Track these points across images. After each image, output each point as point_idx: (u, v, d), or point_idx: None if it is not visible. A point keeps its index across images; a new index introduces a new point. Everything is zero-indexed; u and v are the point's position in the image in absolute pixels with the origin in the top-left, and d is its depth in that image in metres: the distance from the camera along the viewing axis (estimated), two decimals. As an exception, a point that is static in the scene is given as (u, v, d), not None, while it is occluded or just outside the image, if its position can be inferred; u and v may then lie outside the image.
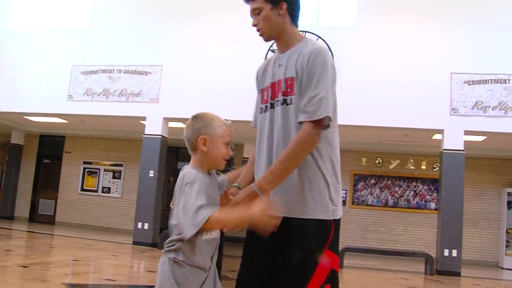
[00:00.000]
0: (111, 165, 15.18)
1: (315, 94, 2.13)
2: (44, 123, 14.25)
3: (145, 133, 11.39)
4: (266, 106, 2.34)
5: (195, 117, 2.22)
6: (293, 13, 2.32)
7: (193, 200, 1.98)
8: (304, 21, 11.20)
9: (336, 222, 2.20)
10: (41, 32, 12.73)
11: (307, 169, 2.16)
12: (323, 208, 2.15)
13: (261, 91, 2.41)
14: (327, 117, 2.12)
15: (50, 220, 15.34)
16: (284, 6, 2.27)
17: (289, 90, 2.23)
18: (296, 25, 2.35)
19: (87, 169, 15.37)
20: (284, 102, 2.24)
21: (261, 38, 2.35)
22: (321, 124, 2.13)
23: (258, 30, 2.31)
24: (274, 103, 2.30)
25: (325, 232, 2.15)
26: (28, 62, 12.43)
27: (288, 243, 2.14)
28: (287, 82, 2.25)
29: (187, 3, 11.73)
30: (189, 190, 2.01)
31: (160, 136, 11.26)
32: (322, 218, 2.14)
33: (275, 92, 2.30)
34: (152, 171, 11.16)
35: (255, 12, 2.29)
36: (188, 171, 2.10)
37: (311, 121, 2.11)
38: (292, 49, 2.29)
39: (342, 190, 13.44)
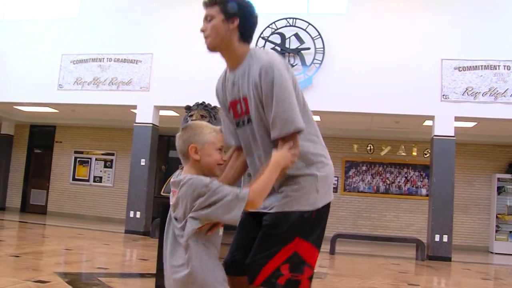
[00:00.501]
0: (102, 154, 15.13)
1: (278, 115, 2.12)
2: (35, 113, 14.15)
3: (136, 121, 11.35)
4: (239, 122, 2.36)
5: (185, 128, 2.20)
6: (244, 31, 2.27)
7: (224, 191, 1.99)
8: (295, 8, 11.21)
9: (320, 211, 2.25)
10: (30, 21, 12.63)
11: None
12: (305, 202, 2.21)
13: (229, 108, 2.40)
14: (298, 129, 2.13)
15: (42, 210, 15.30)
16: (236, 21, 2.23)
17: (248, 109, 2.25)
18: (248, 43, 2.30)
19: (78, 159, 15.32)
20: (249, 120, 2.28)
21: None
22: (295, 136, 2.14)
23: (205, 37, 2.27)
24: (240, 122, 2.34)
25: (301, 222, 2.20)
26: (17, 51, 12.32)
27: (266, 227, 2.22)
28: (245, 101, 2.26)
29: (176, -10, 11.65)
30: (214, 187, 1.99)
31: (151, 125, 11.22)
32: (302, 209, 2.20)
33: (236, 112, 2.34)
34: (144, 160, 11.14)
35: (207, 19, 2.25)
36: (194, 177, 2.05)
37: (282, 139, 2.13)
38: (240, 68, 2.27)
39: (334, 177, 13.53)
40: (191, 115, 5.04)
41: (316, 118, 11.39)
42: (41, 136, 15.89)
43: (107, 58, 11.72)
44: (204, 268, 2.01)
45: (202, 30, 2.27)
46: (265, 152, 2.25)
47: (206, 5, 2.27)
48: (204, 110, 5.12)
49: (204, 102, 5.19)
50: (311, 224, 2.23)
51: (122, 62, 11.62)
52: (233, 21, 2.23)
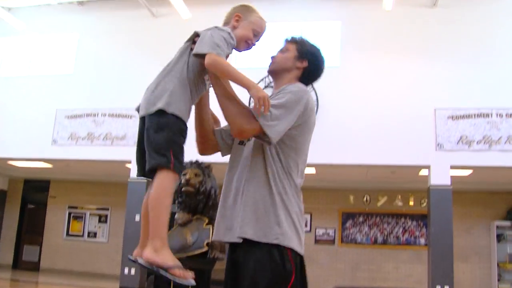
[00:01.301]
0: (97, 209, 14.98)
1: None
2: (29, 168, 14.06)
3: (130, 177, 11.26)
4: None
5: (241, 3, 2.48)
6: (307, 74, 2.52)
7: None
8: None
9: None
10: (26, 77, 12.68)
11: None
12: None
13: None
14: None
15: (34, 267, 14.99)
16: (305, 63, 2.50)
17: None
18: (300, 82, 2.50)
19: (72, 214, 15.15)
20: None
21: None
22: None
23: (272, 61, 2.54)
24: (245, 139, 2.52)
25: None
26: (12, 107, 12.33)
27: None
28: None
29: (169, 46, 11.72)
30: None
31: (145, 180, 11.10)
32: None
33: None
34: (138, 215, 10.99)
35: (282, 50, 2.55)
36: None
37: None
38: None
39: (331, 228, 13.41)
40: (185, 174, 5.00)
41: (312, 170, 11.36)
42: (35, 191, 15.76)
43: (102, 113, 11.73)
44: None
45: (272, 56, 2.55)
46: (246, 180, 2.31)
47: (287, 40, 2.58)
48: (198, 169, 5.09)
49: (197, 161, 5.15)
50: None
51: (116, 117, 11.63)
52: (302, 62, 2.50)
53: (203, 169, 5.07)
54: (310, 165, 10.98)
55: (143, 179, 10.06)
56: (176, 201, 5.05)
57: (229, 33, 2.33)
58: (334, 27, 11.29)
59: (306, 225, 13.35)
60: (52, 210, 15.37)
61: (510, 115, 10.15)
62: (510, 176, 11.42)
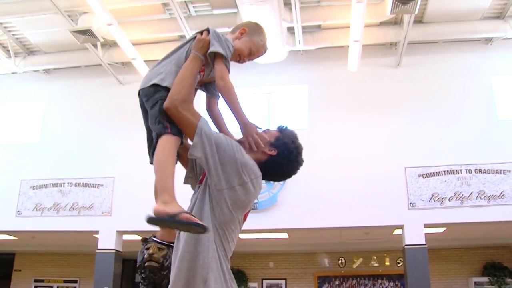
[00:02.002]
0: (64, 281, 14.41)
1: None
2: (-6, 241, 13.55)
3: (98, 248, 10.87)
4: None
5: (255, 22, 2.67)
6: (269, 163, 2.48)
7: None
8: (255, 123, 11.27)
9: None
10: (-12, 147, 12.39)
11: None
12: None
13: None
14: None
15: None
16: (273, 152, 2.51)
17: None
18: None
19: (38, 287, 14.52)
20: None
21: None
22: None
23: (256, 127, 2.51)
24: None
25: None
26: (-25, 178, 11.97)
27: None
28: None
29: (136, 113, 11.60)
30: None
31: (114, 251, 10.75)
32: None
33: None
34: (107, 287, 10.56)
35: (266, 131, 2.57)
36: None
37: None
38: None
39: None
40: (148, 248, 4.77)
41: (284, 235, 11.17)
42: (-1, 265, 15.13)
43: (68, 183, 11.43)
44: None
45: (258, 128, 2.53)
46: None
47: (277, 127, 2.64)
48: (161, 243, 4.86)
49: (161, 234, 4.93)
50: None
51: (83, 186, 11.34)
52: (271, 150, 2.49)
53: (167, 242, 4.85)
54: (282, 231, 10.80)
55: (111, 249, 9.74)
56: (140, 277, 4.80)
57: (231, 43, 2.47)
58: (301, 90, 11.37)
59: (281, 291, 13.02)
60: (17, 284, 14.74)
61: (479, 170, 10.17)
62: (484, 231, 11.39)
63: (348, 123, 10.91)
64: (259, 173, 2.30)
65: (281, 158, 2.47)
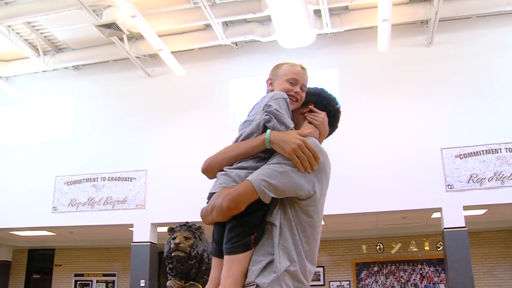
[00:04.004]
0: (103, 275, 14.56)
1: None
2: (33, 237, 13.76)
3: (133, 241, 10.92)
4: None
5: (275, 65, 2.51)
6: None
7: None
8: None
9: None
10: (24, 145, 12.55)
11: None
12: None
13: None
14: None
15: None
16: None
17: None
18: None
19: (79, 282, 14.74)
20: None
21: None
22: None
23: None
24: None
25: None
26: (11, 176, 12.16)
27: None
28: None
29: (166, 105, 11.66)
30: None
31: (148, 243, 10.78)
32: None
33: None
34: (143, 280, 10.59)
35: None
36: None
37: None
38: None
39: (345, 280, 12.85)
40: (174, 238, 4.70)
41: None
42: (40, 261, 15.41)
43: (101, 177, 11.51)
44: None
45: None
46: None
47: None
48: (188, 231, 4.78)
49: (187, 223, 4.86)
50: None
51: (116, 180, 11.39)
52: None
53: (194, 231, 4.76)
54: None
55: (146, 242, 9.71)
56: (167, 268, 4.72)
57: (277, 99, 2.29)
58: (331, 74, 11.13)
59: (319, 279, 12.83)
60: (58, 278, 14.98)
61: (520, 148, 9.80)
62: (528, 212, 10.97)
63: (381, 105, 10.62)
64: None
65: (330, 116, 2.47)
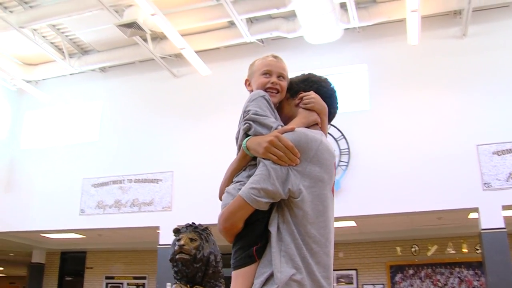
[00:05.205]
0: (134, 278, 14.51)
1: None
2: (65, 240, 13.85)
3: (160, 243, 10.77)
4: None
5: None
6: None
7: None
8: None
9: None
10: (53, 148, 12.61)
11: None
12: None
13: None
14: None
15: None
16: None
17: None
18: None
19: (110, 284, 14.72)
20: None
21: None
22: None
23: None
24: None
25: None
26: (41, 178, 12.22)
27: None
28: None
29: (192, 105, 11.49)
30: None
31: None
32: None
33: None
34: (169, 284, 10.41)
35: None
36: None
37: None
38: None
39: (379, 284, 12.41)
40: (179, 239, 4.46)
41: (351, 223, 10.62)
42: (72, 263, 15.50)
43: (128, 179, 11.42)
44: None
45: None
46: None
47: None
48: (194, 232, 4.53)
49: (194, 223, 4.62)
50: None
51: (142, 182, 11.28)
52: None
53: (200, 232, 4.51)
54: (348, 218, 10.24)
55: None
56: (172, 271, 4.48)
57: (255, 99, 2.21)
58: (360, 69, 10.74)
59: (352, 282, 12.42)
60: (90, 281, 15.00)
61: None
62: None
63: (413, 101, 10.16)
64: None
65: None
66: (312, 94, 2.25)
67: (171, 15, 9.80)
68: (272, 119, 2.13)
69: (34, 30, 10.83)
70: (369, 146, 10.03)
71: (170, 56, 11.63)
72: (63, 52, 11.70)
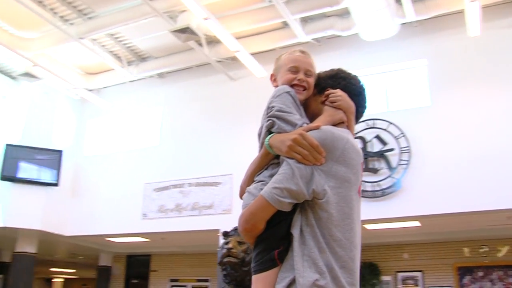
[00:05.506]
0: (198, 280, 14.65)
1: None
2: (130, 243, 14.14)
3: (219, 246, 10.78)
4: None
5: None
6: None
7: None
8: (373, 108, 10.50)
9: None
10: (114, 154, 12.95)
11: None
12: None
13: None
14: None
15: None
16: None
17: None
18: None
19: (174, 287, 14.93)
20: None
21: None
22: None
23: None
24: None
25: None
26: (104, 184, 12.58)
27: None
28: None
29: (250, 107, 11.44)
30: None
31: (236, 248, 10.60)
32: None
33: None
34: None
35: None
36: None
37: None
38: None
39: (447, 286, 11.92)
40: (227, 242, 4.41)
41: (415, 223, 10.28)
42: (137, 266, 15.84)
43: (188, 183, 11.53)
44: None
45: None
46: None
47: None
48: (242, 235, 4.45)
49: (241, 227, 4.52)
50: None
51: (202, 185, 11.36)
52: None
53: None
54: (411, 218, 9.91)
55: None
56: (222, 274, 4.44)
57: (280, 95, 2.12)
58: (420, 65, 10.37)
59: (417, 284, 12.01)
60: (155, 284, 15.27)
61: None
62: None
63: (476, 95, 9.68)
64: None
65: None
66: (338, 92, 2.15)
67: (224, 18, 9.82)
68: (297, 116, 2.04)
69: (94, 40, 11.14)
70: (431, 143, 9.66)
71: (226, 60, 11.66)
72: (121, 60, 11.99)
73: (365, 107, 2.27)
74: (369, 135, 10.11)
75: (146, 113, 13.04)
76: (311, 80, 2.20)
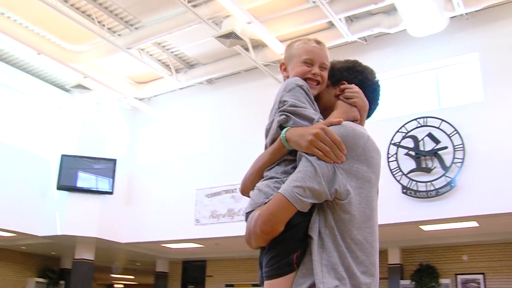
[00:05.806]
0: (253, 285, 14.61)
1: None
2: (186, 249, 14.29)
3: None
4: None
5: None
6: None
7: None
8: (424, 106, 10.23)
9: None
10: (166, 161, 13.14)
11: None
12: None
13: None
14: None
15: None
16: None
17: None
18: None
19: (230, 292, 14.99)
20: None
21: None
22: None
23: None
24: None
25: None
26: (158, 191, 12.80)
27: None
28: None
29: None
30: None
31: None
32: None
33: None
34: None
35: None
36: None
37: None
38: None
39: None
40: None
41: (472, 224, 9.91)
42: (193, 272, 15.98)
43: (239, 188, 11.50)
44: None
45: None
46: None
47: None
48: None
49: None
50: None
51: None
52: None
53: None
54: (468, 218, 9.56)
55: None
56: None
57: (292, 89, 1.97)
58: (472, 59, 10.02)
59: (479, 287, 11.57)
60: (211, 289, 15.39)
61: None
62: None
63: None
64: None
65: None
66: (355, 87, 2.02)
67: (268, 21, 9.81)
68: (312, 111, 1.92)
69: (141, 49, 11.36)
70: (486, 140, 9.29)
71: (274, 63, 11.63)
72: (170, 68, 12.16)
73: (377, 105, 2.15)
74: (421, 133, 9.84)
75: (196, 119, 13.19)
76: (326, 74, 2.06)
